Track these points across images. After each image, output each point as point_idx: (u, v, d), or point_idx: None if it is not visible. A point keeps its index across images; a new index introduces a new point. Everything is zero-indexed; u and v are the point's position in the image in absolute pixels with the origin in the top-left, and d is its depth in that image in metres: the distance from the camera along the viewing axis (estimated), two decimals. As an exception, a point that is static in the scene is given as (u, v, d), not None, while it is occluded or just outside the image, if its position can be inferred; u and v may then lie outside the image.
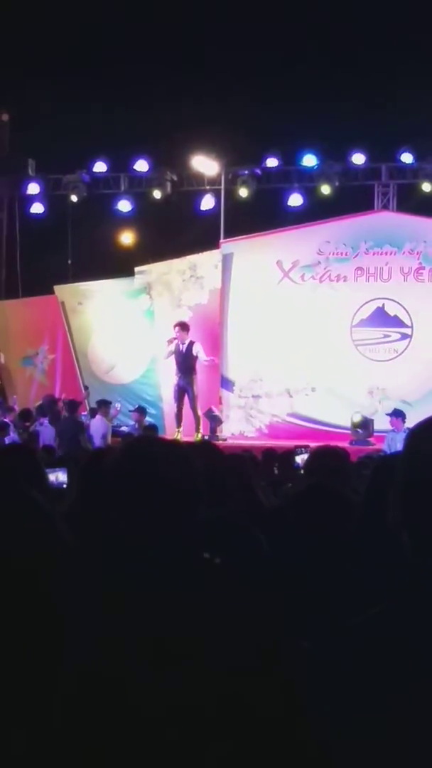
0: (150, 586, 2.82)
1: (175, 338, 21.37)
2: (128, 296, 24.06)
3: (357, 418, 21.18)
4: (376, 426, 20.95)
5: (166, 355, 21.70)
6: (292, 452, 12.72)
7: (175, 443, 3.36)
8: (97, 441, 19.60)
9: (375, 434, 20.76)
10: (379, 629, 2.12)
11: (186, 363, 21.40)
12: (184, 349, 21.40)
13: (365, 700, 2.06)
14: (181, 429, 21.10)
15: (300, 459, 11.53)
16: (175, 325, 21.67)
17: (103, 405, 20.86)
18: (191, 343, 21.48)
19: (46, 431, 19.72)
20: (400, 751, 2.02)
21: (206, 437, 20.52)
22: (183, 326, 21.63)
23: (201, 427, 21.41)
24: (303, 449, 12.96)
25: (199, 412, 21.54)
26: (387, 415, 19.87)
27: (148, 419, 21.71)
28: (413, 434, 2.28)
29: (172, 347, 21.40)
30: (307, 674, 2.33)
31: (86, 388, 23.05)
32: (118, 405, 21.43)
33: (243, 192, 23.64)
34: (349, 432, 21.14)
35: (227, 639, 2.76)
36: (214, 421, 22.15)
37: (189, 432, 21.04)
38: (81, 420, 20.36)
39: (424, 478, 2.17)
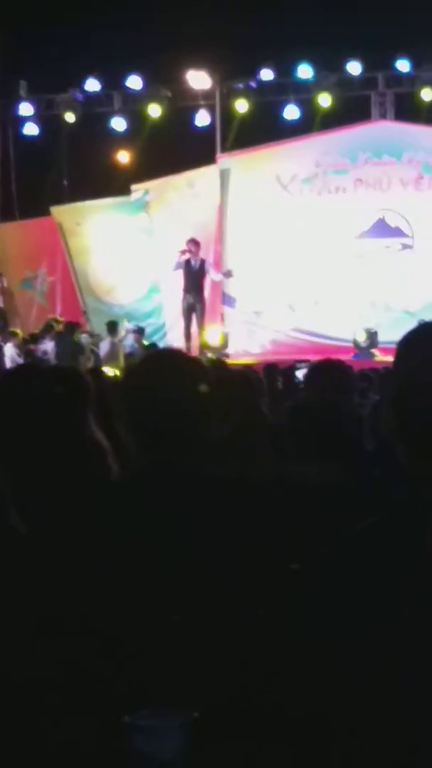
0: (157, 506, 2.79)
1: (186, 250, 21.17)
2: (126, 214, 23.86)
3: (361, 337, 20.97)
4: (380, 338, 20.88)
5: (175, 266, 21.41)
6: (293, 367, 12.66)
7: (184, 360, 3.27)
8: (102, 361, 19.70)
9: (379, 346, 20.69)
10: (374, 539, 2.08)
11: (196, 281, 21.26)
12: (196, 267, 21.23)
13: (362, 610, 2.02)
14: (190, 346, 21.00)
15: (300, 374, 11.46)
16: (188, 242, 21.40)
17: (111, 326, 20.92)
18: (203, 261, 21.34)
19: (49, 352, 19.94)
20: (400, 661, 1.98)
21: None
22: (195, 243, 21.42)
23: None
24: (303, 363, 12.90)
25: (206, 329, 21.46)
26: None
27: (153, 339, 21.70)
28: (406, 340, 2.21)
29: (182, 259, 21.18)
30: (305, 590, 2.29)
31: (85, 313, 22.90)
32: (127, 324, 21.44)
33: (238, 106, 23.34)
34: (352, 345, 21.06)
35: (229, 560, 2.74)
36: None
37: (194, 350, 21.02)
38: (80, 341, 20.36)
39: (416, 382, 2.10)
